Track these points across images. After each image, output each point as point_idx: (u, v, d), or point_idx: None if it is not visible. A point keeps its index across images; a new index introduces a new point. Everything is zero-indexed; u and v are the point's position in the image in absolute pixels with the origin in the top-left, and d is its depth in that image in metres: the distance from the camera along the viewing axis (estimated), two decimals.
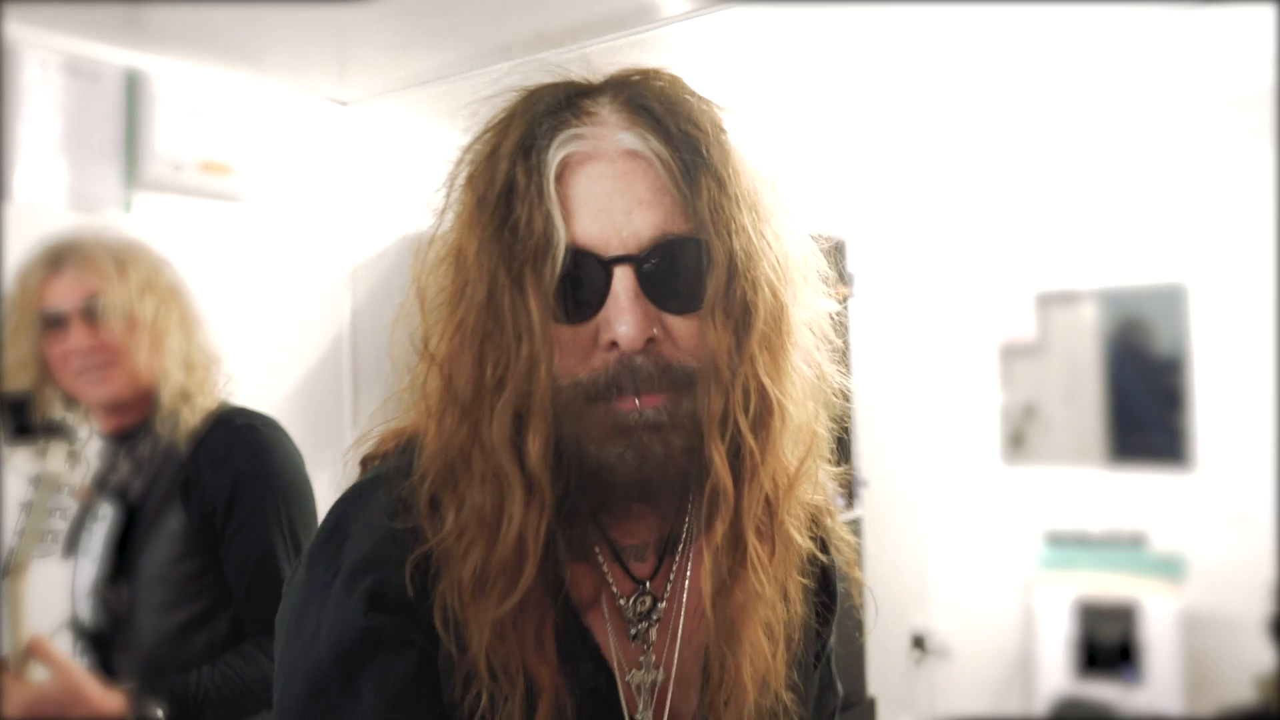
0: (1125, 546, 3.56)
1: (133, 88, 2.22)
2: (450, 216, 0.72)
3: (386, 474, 0.74)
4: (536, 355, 0.65)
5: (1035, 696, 3.51)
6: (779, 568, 0.72)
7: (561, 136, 0.68)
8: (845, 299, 3.34)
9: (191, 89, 2.29)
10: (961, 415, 3.96)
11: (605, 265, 0.65)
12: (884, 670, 3.43)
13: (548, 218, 0.65)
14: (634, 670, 0.73)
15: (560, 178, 0.67)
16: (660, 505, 0.73)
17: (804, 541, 0.75)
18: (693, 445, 0.67)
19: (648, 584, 0.74)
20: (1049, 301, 3.91)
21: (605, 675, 0.72)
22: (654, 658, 0.73)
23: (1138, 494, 3.61)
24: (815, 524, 0.81)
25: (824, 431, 0.75)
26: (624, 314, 0.65)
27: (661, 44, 2.34)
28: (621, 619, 0.73)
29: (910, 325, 3.95)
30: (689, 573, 0.75)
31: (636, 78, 0.74)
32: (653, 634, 0.73)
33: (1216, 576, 3.37)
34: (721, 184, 0.67)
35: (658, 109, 0.69)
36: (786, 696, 0.75)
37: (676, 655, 0.74)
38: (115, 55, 2.21)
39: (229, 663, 1.39)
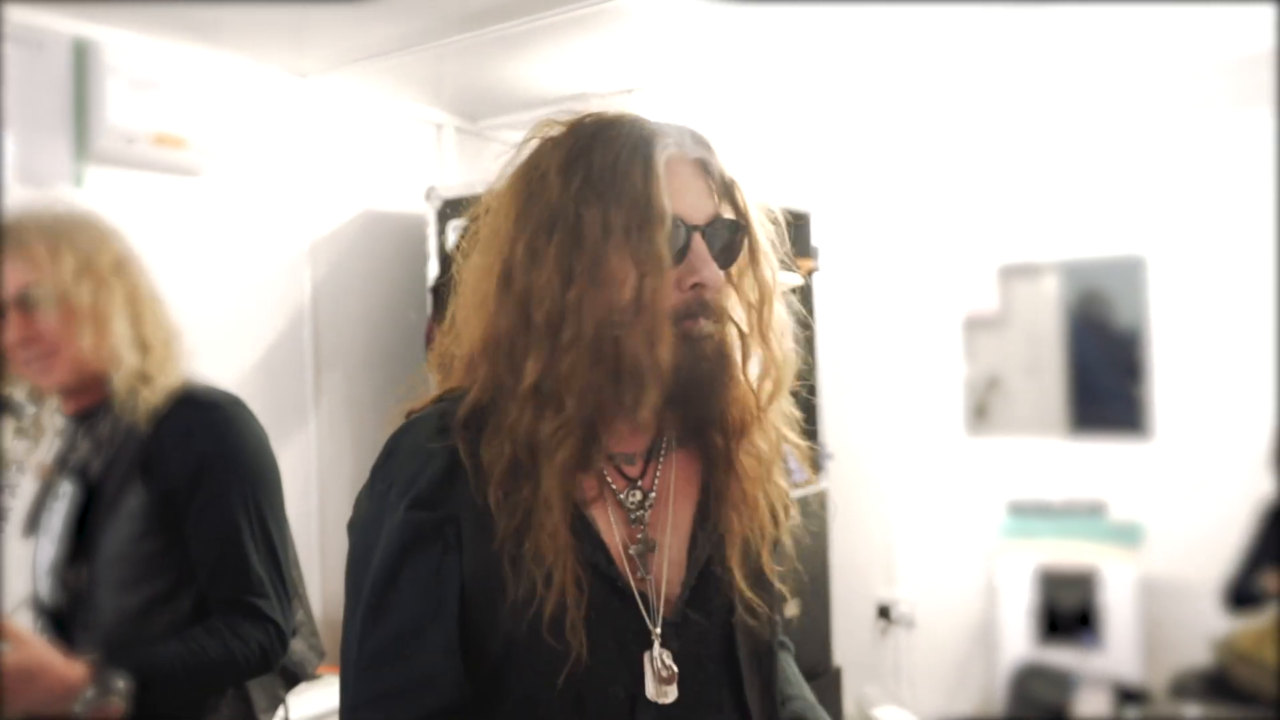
0: (1085, 515, 3.62)
1: (81, 58, 2.16)
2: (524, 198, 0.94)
3: (428, 412, 0.98)
4: (661, 288, 0.90)
5: (997, 664, 3.57)
6: (770, 450, 1.01)
7: (662, 142, 0.94)
8: (810, 272, 3.33)
9: (144, 59, 2.23)
10: (925, 387, 3.99)
11: (689, 230, 0.93)
12: (850, 640, 3.47)
13: (659, 195, 0.91)
14: (633, 545, 0.96)
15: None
16: (674, 410, 0.96)
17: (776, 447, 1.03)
18: (721, 354, 0.95)
19: (639, 481, 0.99)
20: (1011, 274, 3.94)
21: (603, 552, 0.94)
22: (649, 534, 0.97)
23: (1098, 463, 3.66)
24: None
25: (795, 361, 1.01)
26: (708, 264, 0.93)
27: (621, 16, 2.32)
28: (622, 509, 0.98)
29: (874, 298, 3.97)
30: (673, 473, 1.01)
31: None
32: (646, 518, 0.98)
33: (1173, 543, 3.44)
34: (738, 184, 0.99)
35: (703, 136, 1.00)
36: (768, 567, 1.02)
37: (668, 530, 0.98)
38: (62, 24, 2.15)
39: (195, 638, 1.38)
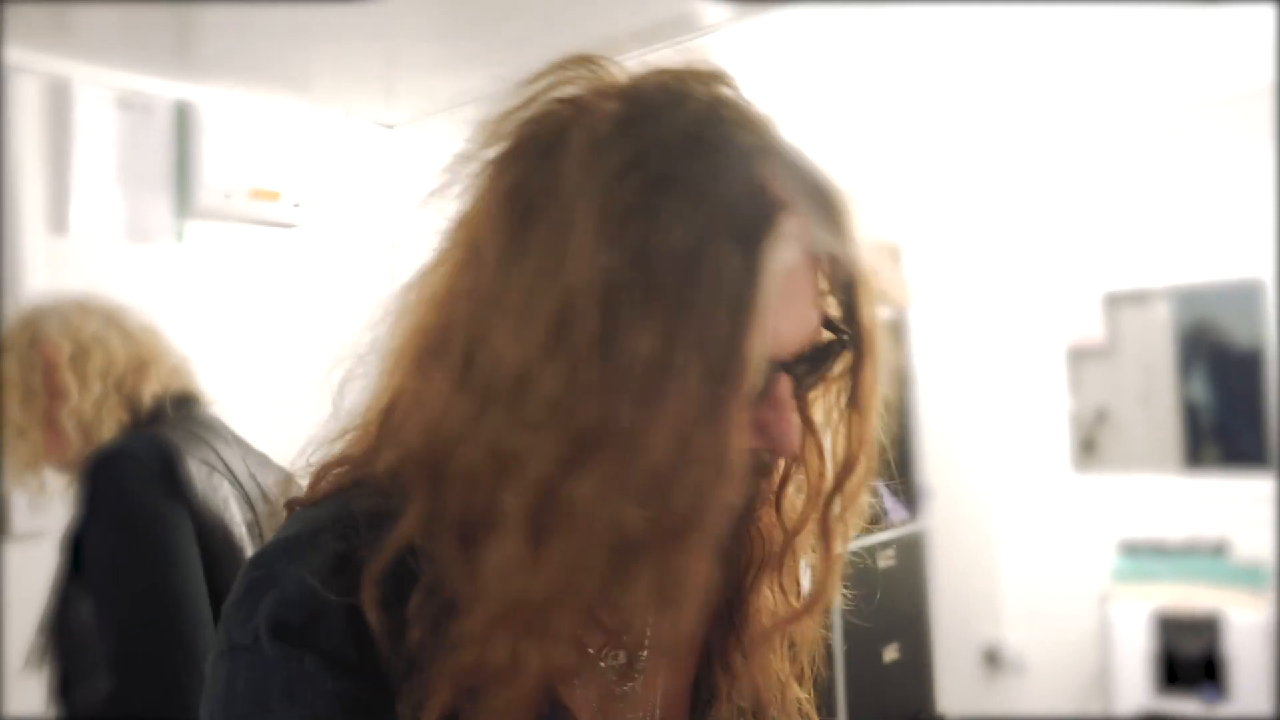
0: (1206, 555, 3.42)
1: (183, 119, 2.26)
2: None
3: (317, 522, 0.62)
4: (723, 481, 0.56)
5: (1114, 713, 3.38)
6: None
7: (779, 219, 0.57)
8: (904, 307, 3.25)
9: (238, 117, 2.32)
10: (1030, 421, 3.85)
11: (775, 368, 0.58)
12: (955, 685, 3.34)
13: (753, 346, 0.56)
14: None
15: None
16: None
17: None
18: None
19: (624, 636, 0.67)
20: (1118, 301, 3.78)
21: None
22: (640, 713, 0.67)
23: (1217, 500, 3.47)
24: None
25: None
26: (785, 419, 0.61)
27: (704, 54, 2.32)
28: (602, 680, 0.66)
29: (974, 330, 3.86)
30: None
31: None
32: (637, 691, 0.67)
33: None
34: (866, 282, 0.66)
35: (837, 187, 0.63)
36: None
37: (657, 700, 0.68)
38: (166, 88, 2.25)
39: None
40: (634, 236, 0.52)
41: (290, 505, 0.67)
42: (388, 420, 0.65)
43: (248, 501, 1.48)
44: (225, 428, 1.56)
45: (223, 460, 1.47)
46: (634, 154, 0.54)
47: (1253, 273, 3.44)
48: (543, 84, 0.60)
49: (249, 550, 1.42)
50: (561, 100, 0.59)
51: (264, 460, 1.58)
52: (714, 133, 0.56)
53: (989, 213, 3.84)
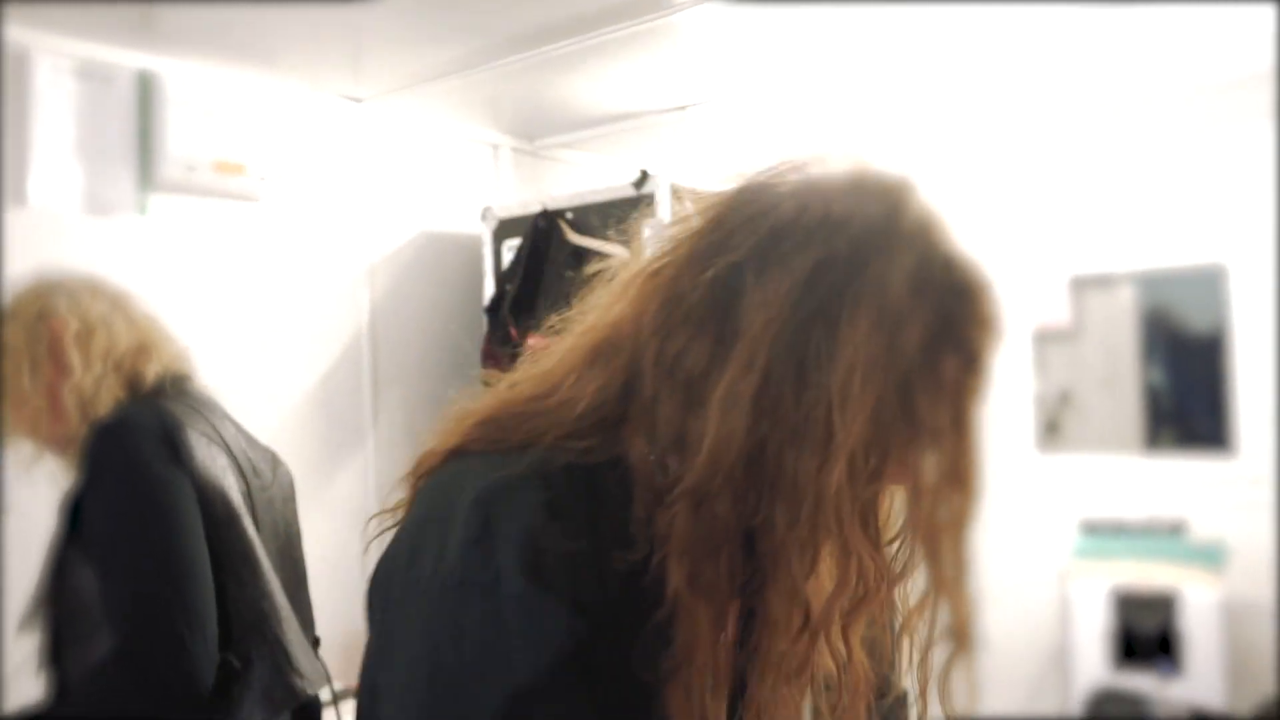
0: (1164, 535, 3.48)
1: (145, 90, 2.22)
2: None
3: (522, 476, 0.67)
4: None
5: (1071, 688, 3.44)
6: None
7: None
8: None
9: (203, 89, 2.29)
10: (995, 402, 3.88)
11: None
12: (917, 661, 3.38)
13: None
14: None
15: None
16: None
17: None
18: None
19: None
20: (1084, 285, 3.82)
21: None
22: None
23: (1177, 481, 3.53)
24: None
25: None
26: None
27: (675, 31, 2.31)
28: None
29: None
30: None
31: None
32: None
33: (1259, 564, 3.29)
34: None
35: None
36: None
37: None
38: (127, 58, 2.22)
39: None
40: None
41: (455, 452, 0.72)
42: (585, 379, 0.72)
43: (241, 473, 1.50)
44: (218, 405, 1.58)
45: (219, 433, 1.50)
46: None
47: (1214, 258, 3.49)
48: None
49: (245, 519, 1.44)
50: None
51: (251, 438, 1.60)
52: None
53: (956, 195, 3.86)
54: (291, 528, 1.65)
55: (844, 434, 0.64)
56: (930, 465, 0.68)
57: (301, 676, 1.48)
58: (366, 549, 0.79)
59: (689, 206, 0.76)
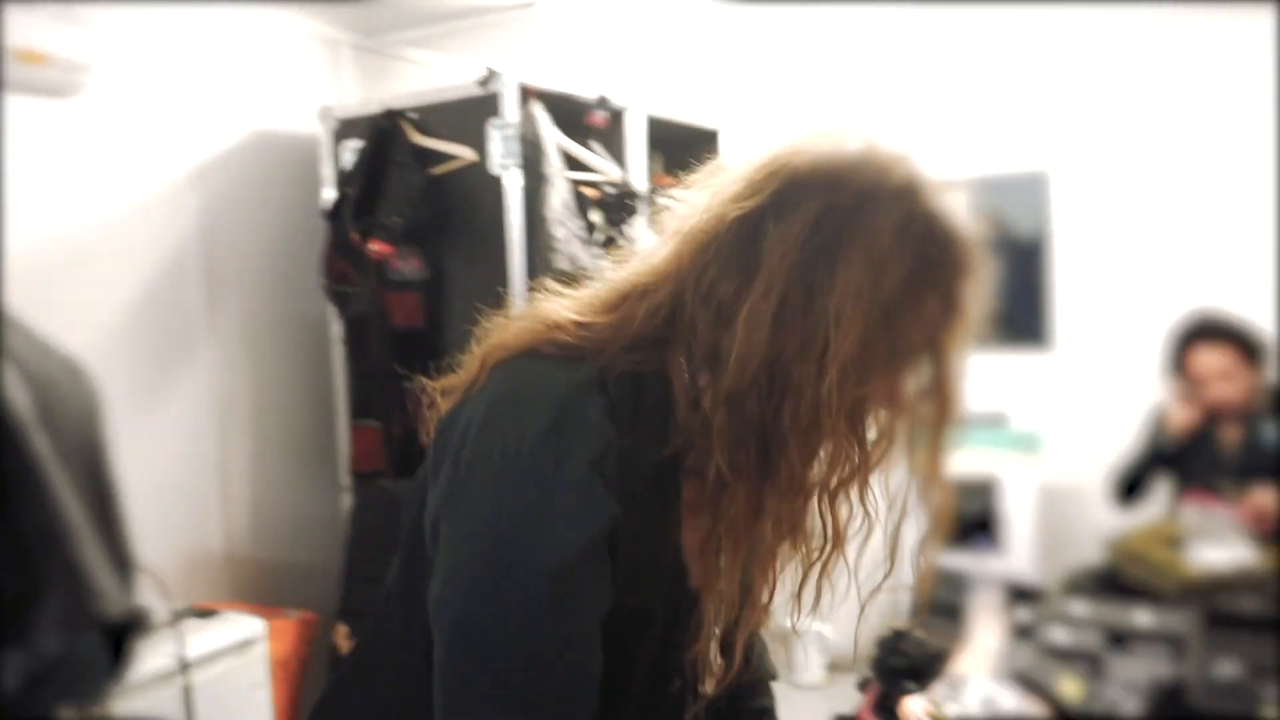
0: (986, 425, 3.72)
1: None
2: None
3: (583, 381, 0.83)
4: None
5: (899, 569, 3.66)
6: None
7: None
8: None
9: None
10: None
11: None
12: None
13: None
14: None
15: None
16: None
17: None
18: None
19: None
20: None
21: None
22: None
23: (999, 375, 3.76)
24: None
25: None
26: None
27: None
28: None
29: None
30: None
31: None
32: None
33: (1072, 451, 3.56)
34: None
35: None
36: None
37: None
38: None
39: None
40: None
41: (525, 352, 0.86)
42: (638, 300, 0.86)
43: (30, 384, 1.40)
44: (4, 308, 1.45)
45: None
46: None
47: (1038, 165, 3.68)
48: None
49: (30, 434, 1.35)
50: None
51: (47, 347, 1.49)
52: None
53: (798, 99, 3.92)
54: (94, 442, 1.55)
55: (836, 348, 0.78)
56: (910, 385, 0.84)
57: (102, 598, 1.42)
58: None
59: (718, 164, 0.90)
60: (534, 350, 0.86)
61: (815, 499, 0.88)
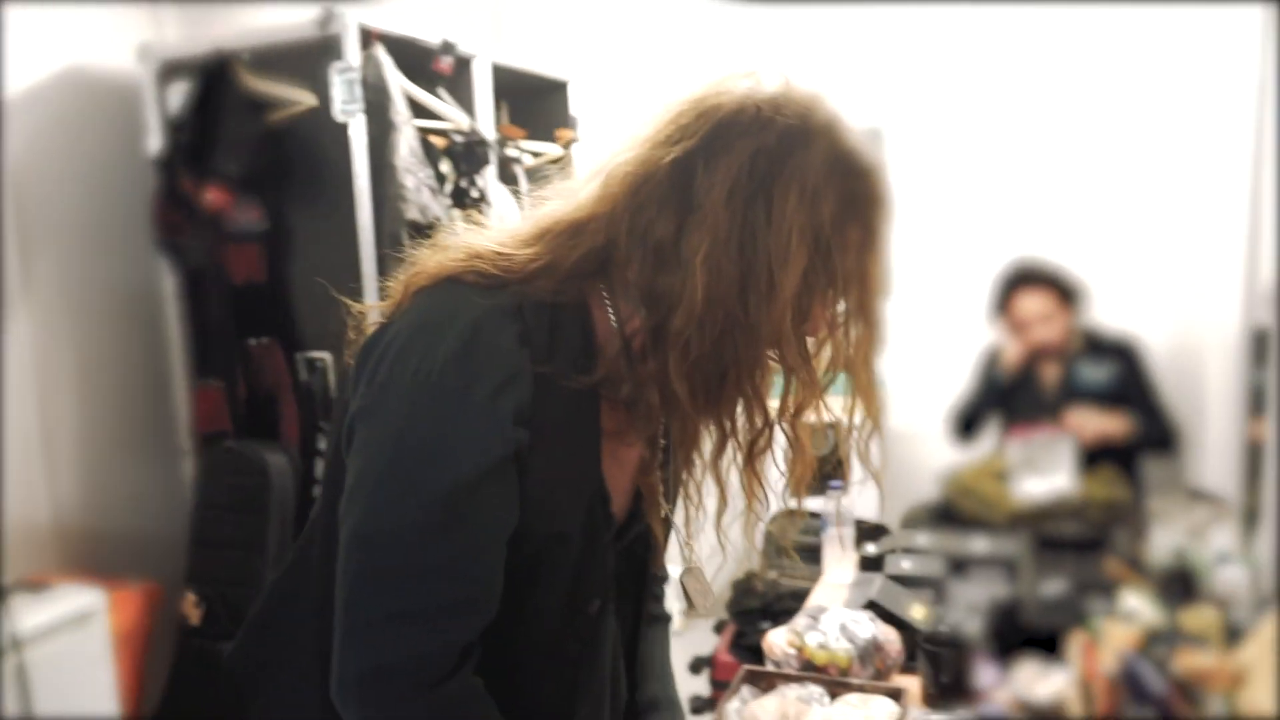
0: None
1: None
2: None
3: (497, 308, 0.85)
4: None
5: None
6: None
7: None
8: (569, 144, 3.26)
9: None
10: None
11: None
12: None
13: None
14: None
15: None
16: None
17: None
18: None
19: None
20: None
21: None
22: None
23: None
24: None
25: None
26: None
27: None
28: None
29: None
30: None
31: None
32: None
33: (911, 395, 3.73)
34: None
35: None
36: None
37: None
38: None
39: None
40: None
41: (445, 279, 0.89)
42: (565, 235, 0.89)
43: None
44: None
45: None
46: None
47: (873, 121, 3.80)
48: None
49: None
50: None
51: None
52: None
53: (635, 56, 3.92)
54: None
55: (783, 283, 0.83)
56: (843, 308, 0.89)
57: None
58: None
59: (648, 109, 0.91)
60: (456, 278, 0.89)
61: (779, 421, 0.93)
